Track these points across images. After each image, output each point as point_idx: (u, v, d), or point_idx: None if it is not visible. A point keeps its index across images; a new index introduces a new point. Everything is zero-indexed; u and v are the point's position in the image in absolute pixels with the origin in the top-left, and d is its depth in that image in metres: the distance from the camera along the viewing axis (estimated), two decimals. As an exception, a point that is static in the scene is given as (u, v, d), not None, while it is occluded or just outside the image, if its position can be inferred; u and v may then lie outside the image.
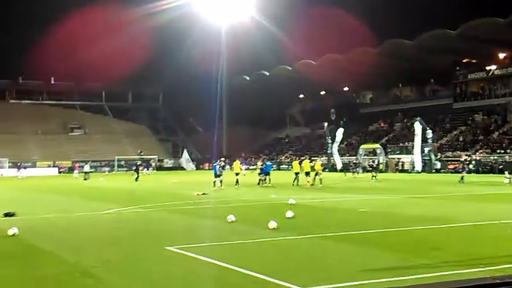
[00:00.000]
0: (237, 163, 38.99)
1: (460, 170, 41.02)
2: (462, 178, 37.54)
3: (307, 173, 36.69)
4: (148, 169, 68.31)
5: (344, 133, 67.42)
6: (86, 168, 55.24)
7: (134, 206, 23.44)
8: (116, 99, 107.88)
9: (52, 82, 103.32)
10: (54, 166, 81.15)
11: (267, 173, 38.32)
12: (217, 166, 35.83)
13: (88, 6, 77.58)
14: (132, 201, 26.28)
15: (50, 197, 31.51)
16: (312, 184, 36.12)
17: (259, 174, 38.27)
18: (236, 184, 35.73)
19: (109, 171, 74.70)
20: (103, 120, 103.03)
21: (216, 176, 35.05)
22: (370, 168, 48.21)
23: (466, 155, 52.57)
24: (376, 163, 56.43)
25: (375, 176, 42.72)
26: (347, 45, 74.20)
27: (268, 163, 41.56)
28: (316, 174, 37.10)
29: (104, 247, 12.98)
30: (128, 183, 45.22)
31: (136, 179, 46.40)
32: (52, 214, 20.79)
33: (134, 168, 50.77)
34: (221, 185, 34.38)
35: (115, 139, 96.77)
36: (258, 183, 37.31)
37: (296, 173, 36.93)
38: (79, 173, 54.31)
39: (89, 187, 41.09)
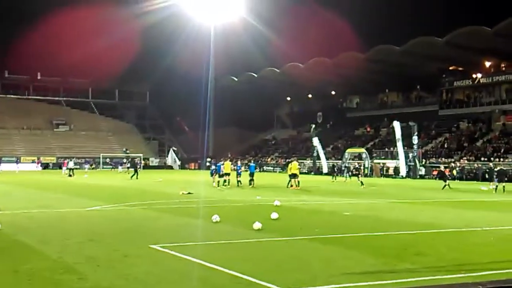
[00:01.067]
0: (228, 164, 39.04)
1: (437, 177, 40.82)
2: (444, 186, 37.86)
3: (294, 175, 36.82)
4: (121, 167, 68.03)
5: (320, 141, 68.00)
6: (71, 164, 55.00)
7: (118, 204, 23.37)
8: (103, 96, 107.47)
9: (39, 77, 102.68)
10: (33, 162, 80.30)
11: (251, 174, 38.49)
12: (222, 166, 37.15)
13: (79, 3, 77.22)
14: (116, 198, 26.20)
15: (34, 192, 31.31)
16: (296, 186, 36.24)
17: (220, 175, 37.74)
18: (224, 184, 36.29)
19: (89, 168, 73.74)
20: (89, 116, 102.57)
21: (220, 176, 36.46)
22: (356, 172, 48.27)
23: (445, 164, 52.84)
24: (360, 167, 56.61)
25: (362, 182, 41.94)
26: (335, 49, 74.54)
27: (252, 164, 41.59)
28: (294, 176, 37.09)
29: (88, 244, 12.93)
30: (112, 180, 45.06)
31: (135, 176, 46.89)
32: (35, 210, 20.68)
33: (128, 165, 51.23)
34: (237, 184, 36.44)
35: (100, 136, 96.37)
36: (237, 185, 37.36)
37: (293, 175, 36.93)
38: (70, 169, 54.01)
39: (73, 184, 40.87)
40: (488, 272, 10.28)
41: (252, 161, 52.99)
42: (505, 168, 39.56)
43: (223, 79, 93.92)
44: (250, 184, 37.53)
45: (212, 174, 38.61)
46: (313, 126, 72.23)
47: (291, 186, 36.29)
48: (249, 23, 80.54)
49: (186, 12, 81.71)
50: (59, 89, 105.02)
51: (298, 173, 37.64)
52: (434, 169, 58.57)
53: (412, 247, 13.03)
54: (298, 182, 36.80)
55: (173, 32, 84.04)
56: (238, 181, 37.87)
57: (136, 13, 76.83)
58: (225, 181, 36.95)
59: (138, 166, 53.00)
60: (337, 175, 52.26)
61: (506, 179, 36.44)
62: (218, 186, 35.79)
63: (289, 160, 42.67)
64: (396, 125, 59.07)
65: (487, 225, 17.30)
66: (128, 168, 61.52)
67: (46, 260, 11.06)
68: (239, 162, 42.83)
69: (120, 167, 70.18)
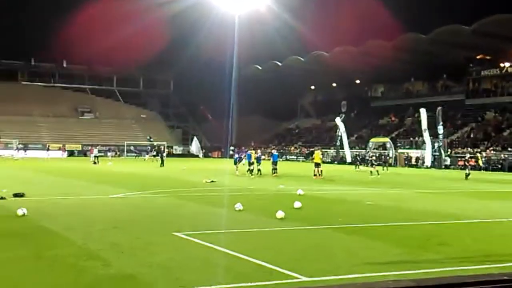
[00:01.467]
0: (252, 153, 39.06)
1: (464, 167, 40.57)
2: (467, 175, 37.64)
3: (318, 164, 36.72)
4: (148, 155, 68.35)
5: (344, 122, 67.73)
6: (95, 152, 55.56)
7: (142, 191, 23.53)
8: (127, 84, 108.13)
9: (64, 65, 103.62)
10: (59, 150, 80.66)
11: (275, 163, 38.36)
12: (252, 155, 37.39)
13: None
14: (140, 186, 26.38)
15: (59, 179, 31.68)
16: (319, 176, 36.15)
17: (250, 164, 37.52)
18: (250, 173, 36.20)
19: (112, 156, 73.90)
20: (113, 104, 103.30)
21: (250, 164, 36.55)
22: (376, 163, 44.76)
23: (470, 153, 52.21)
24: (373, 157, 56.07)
25: (377, 171, 39.86)
26: (361, 37, 73.78)
27: (275, 153, 41.33)
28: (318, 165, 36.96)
29: (111, 231, 13.04)
30: (136, 168, 45.41)
31: (162, 164, 47.44)
32: (60, 196, 20.91)
33: (155, 153, 51.90)
34: (258, 173, 36.14)
35: (125, 124, 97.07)
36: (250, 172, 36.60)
37: (317, 164, 36.81)
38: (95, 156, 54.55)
39: (97, 171, 41.28)
40: (514, 263, 10.15)
41: (275, 150, 52.77)
42: None
43: (247, 67, 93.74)
44: (273, 173, 37.45)
45: (236, 163, 38.70)
46: (340, 117, 71.69)
47: (314, 175, 36.15)
48: (274, 11, 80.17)
49: (211, 0, 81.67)
50: (84, 77, 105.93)
51: (320, 162, 37.53)
52: (459, 159, 57.97)
53: (436, 237, 12.91)
54: (321, 171, 36.66)
55: (197, 20, 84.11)
56: (258, 170, 36.91)
57: (161, 2, 76.95)
58: (251, 170, 36.70)
59: (165, 154, 53.41)
60: (360, 164, 51.87)
61: None
62: (251, 174, 35.79)
63: (313, 149, 42.53)
64: (423, 112, 58.51)
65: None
66: (154, 156, 62.04)
67: (71, 246, 11.17)
68: (259, 151, 42.31)
69: (146, 155, 70.66)
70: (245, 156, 39.20)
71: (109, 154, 73.39)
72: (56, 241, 11.67)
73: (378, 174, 39.06)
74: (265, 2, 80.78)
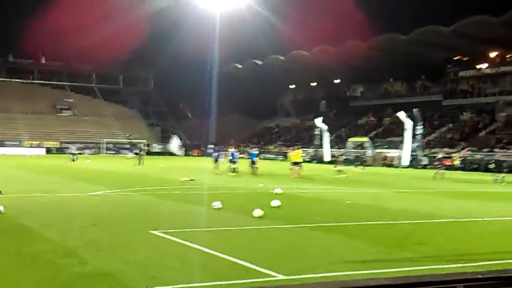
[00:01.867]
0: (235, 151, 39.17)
1: (439, 166, 41.23)
2: (436, 173, 38.29)
3: (297, 163, 36.86)
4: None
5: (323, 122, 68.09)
6: (74, 149, 55.15)
7: (120, 189, 23.43)
8: (106, 82, 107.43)
9: (43, 61, 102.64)
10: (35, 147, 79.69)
11: (253, 162, 38.44)
12: (235, 153, 37.99)
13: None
14: (119, 184, 26.27)
15: (37, 176, 31.41)
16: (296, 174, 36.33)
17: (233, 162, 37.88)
18: (233, 171, 36.48)
19: (90, 154, 73.30)
20: (92, 102, 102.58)
21: (233, 162, 37.04)
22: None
23: (447, 153, 52.85)
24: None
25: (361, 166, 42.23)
26: (341, 37, 74.19)
27: (253, 152, 41.13)
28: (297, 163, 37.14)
29: (90, 228, 12.97)
30: (115, 166, 45.17)
31: (140, 162, 47.33)
32: (38, 194, 20.76)
33: (136, 151, 51.91)
34: (236, 172, 36.28)
35: (104, 121, 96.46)
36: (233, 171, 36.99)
37: (296, 163, 36.99)
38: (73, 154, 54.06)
39: (76, 169, 40.99)
40: (488, 262, 10.30)
41: (254, 148, 52.55)
42: (502, 159, 39.76)
43: (228, 66, 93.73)
44: (252, 171, 37.51)
45: (216, 161, 38.70)
46: (319, 118, 72.02)
47: (298, 174, 36.34)
48: (254, 10, 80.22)
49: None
50: (63, 73, 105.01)
51: (301, 161, 37.68)
52: (436, 159, 58.54)
53: (413, 236, 13.06)
54: (298, 170, 36.80)
55: (178, 18, 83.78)
56: (232, 169, 37.09)
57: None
58: (235, 168, 37.04)
59: (143, 153, 53.33)
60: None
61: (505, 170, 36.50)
62: (234, 172, 36.25)
63: (293, 148, 42.71)
64: (401, 115, 58.98)
65: (487, 215, 17.34)
66: (136, 154, 62.04)
67: (48, 243, 11.12)
68: (233, 149, 42.18)
69: (130, 153, 70.49)
70: (227, 154, 39.23)
71: (86, 151, 72.87)
72: (34, 238, 11.60)
73: (345, 174, 39.52)
74: (246, 1, 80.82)
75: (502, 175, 35.74)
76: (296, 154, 37.75)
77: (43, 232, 12.34)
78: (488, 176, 38.62)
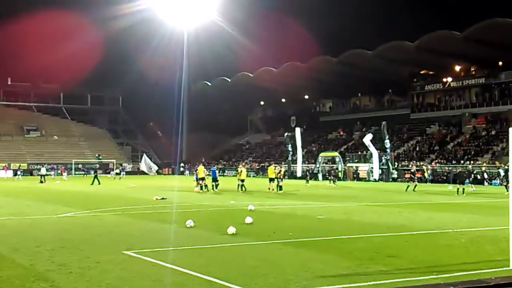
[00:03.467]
0: (201, 168, 39.03)
1: (408, 180, 42.04)
2: (408, 187, 39.23)
3: (272, 179, 37.17)
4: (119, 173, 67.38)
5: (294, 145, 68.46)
6: (43, 171, 54.36)
7: (91, 210, 23.13)
8: (74, 102, 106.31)
9: (9, 82, 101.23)
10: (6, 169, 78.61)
11: (215, 179, 38.29)
12: (216, 171, 38.67)
13: (48, 8, 76.26)
14: (89, 204, 25.93)
15: (4, 199, 30.82)
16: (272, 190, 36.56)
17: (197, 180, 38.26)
18: (203, 188, 36.92)
19: (55, 175, 72.26)
20: (60, 122, 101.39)
21: (215, 180, 37.64)
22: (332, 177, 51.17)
23: (417, 166, 53.59)
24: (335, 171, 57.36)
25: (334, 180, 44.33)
26: (307, 53, 74.96)
27: (213, 168, 41.10)
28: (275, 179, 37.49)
29: (60, 251, 12.77)
30: (85, 186, 44.62)
31: (93, 182, 46.73)
32: (6, 217, 20.37)
33: (92, 171, 51.15)
34: (206, 189, 36.89)
35: (73, 141, 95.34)
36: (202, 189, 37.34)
37: (272, 179, 37.28)
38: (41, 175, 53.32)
39: (45, 190, 40.35)
40: (460, 273, 10.43)
41: (214, 165, 52.13)
42: (464, 171, 40.50)
43: (197, 83, 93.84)
44: (213, 188, 37.60)
45: (197, 179, 38.47)
46: (288, 134, 72.43)
47: (272, 189, 36.61)
48: (222, 28, 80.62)
49: (158, 16, 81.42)
50: (30, 94, 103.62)
51: (274, 177, 37.83)
52: (406, 172, 59.21)
53: (384, 249, 13.15)
54: (278, 186, 37.13)
55: (145, 36, 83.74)
56: (205, 186, 37.52)
57: (107, 17, 76.28)
58: (205, 186, 37.39)
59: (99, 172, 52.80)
60: (310, 178, 52.66)
61: (468, 181, 36.96)
62: (214, 189, 37.36)
63: (263, 164, 43.15)
64: (366, 140, 59.89)
65: (457, 226, 17.55)
66: (117, 174, 62.16)
67: (17, 267, 10.91)
68: (214, 167, 42.71)
69: (112, 172, 70.65)
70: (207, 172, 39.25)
71: (52, 172, 71.76)
72: (3, 263, 11.36)
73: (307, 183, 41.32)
74: (213, 19, 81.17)
75: (452, 186, 36.27)
76: (270, 170, 38.14)
77: (12, 256, 12.10)
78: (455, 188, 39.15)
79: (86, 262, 11.39)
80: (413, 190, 38.46)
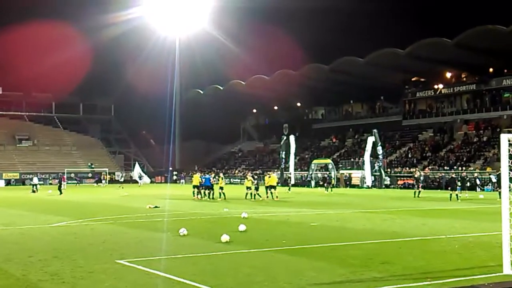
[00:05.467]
0: (196, 176, 39.07)
1: (415, 185, 42.41)
2: (417, 193, 39.45)
3: (271, 187, 37.22)
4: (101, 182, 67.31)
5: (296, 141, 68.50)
6: (35, 180, 54.11)
7: (84, 219, 23.04)
8: (66, 111, 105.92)
9: (0, 92, 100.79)
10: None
11: (208, 187, 38.27)
12: (211, 179, 38.70)
13: (39, 18, 76.25)
14: (82, 214, 25.84)
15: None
16: (267, 197, 36.65)
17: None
18: (195, 195, 37.70)
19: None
20: (52, 131, 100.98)
21: (209, 188, 37.79)
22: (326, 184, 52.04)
23: (418, 171, 53.79)
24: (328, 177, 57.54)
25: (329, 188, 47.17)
26: (299, 61, 75.19)
27: (206, 176, 40.95)
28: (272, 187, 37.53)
29: (52, 261, 12.71)
30: (77, 196, 44.45)
31: (60, 191, 46.35)
32: (-2, 227, 20.25)
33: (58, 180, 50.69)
34: (218, 197, 37.23)
35: (65, 151, 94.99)
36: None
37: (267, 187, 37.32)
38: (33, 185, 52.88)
39: (37, 200, 40.16)
40: (453, 279, 10.46)
41: (207, 173, 51.14)
42: (456, 177, 40.72)
43: (189, 92, 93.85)
44: (205, 196, 37.70)
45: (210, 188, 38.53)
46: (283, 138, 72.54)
47: (276, 197, 36.62)
48: (213, 36, 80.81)
49: (150, 24, 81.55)
50: (22, 103, 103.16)
51: (275, 184, 37.97)
52: (399, 179, 59.46)
53: (378, 256, 13.16)
54: (251, 194, 37.32)
55: (137, 45, 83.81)
56: (205, 194, 38.26)
57: (99, 26, 76.28)
58: (199, 193, 37.84)
59: (64, 182, 51.60)
60: (292, 185, 53.45)
61: (459, 187, 37.04)
62: (208, 197, 37.52)
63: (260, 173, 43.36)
64: (369, 139, 59.98)
65: (450, 233, 17.60)
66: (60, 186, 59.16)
67: (10, 278, 10.84)
68: (207, 175, 42.52)
69: (103, 181, 71.48)
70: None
71: (36, 182, 71.31)
72: (-6, 274, 11.29)
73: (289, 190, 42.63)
74: (205, 27, 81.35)
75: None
76: (272, 178, 38.14)
77: (4, 267, 12.02)
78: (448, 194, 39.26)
79: (79, 271, 11.34)
80: (417, 196, 38.75)
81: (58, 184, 49.75)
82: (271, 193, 36.79)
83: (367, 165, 59.30)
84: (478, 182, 50.36)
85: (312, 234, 17.90)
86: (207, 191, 38.01)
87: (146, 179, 79.29)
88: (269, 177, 38.21)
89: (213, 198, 37.42)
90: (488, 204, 31.71)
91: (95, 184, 73.55)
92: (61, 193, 46.37)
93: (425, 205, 31.99)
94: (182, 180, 78.92)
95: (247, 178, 39.61)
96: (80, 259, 12.84)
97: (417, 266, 11.78)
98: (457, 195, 35.61)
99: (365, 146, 60.85)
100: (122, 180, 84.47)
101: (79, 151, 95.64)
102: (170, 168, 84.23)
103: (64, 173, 70.50)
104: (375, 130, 60.89)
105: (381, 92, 77.85)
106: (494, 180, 50.06)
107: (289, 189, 50.19)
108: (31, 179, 55.19)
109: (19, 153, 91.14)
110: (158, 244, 15.55)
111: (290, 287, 9.85)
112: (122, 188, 57.62)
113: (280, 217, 24.44)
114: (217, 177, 40.61)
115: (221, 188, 37.99)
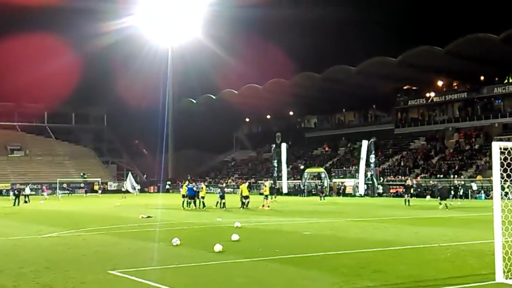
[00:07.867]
0: (184, 186, 39.08)
1: (404, 193, 42.42)
2: (408, 201, 39.44)
3: (266, 196, 38.03)
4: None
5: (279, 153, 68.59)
6: (27, 190, 53.71)
7: (76, 230, 22.94)
8: (58, 120, 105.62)
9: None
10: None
11: (191, 196, 37.94)
12: (194, 188, 38.51)
13: (31, 28, 76.19)
14: (74, 224, 25.71)
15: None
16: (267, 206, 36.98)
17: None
18: (185, 205, 37.57)
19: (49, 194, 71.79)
20: (45, 141, 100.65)
21: (192, 197, 37.52)
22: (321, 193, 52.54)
23: (410, 179, 53.97)
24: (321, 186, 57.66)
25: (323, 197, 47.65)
26: (291, 70, 75.45)
27: (190, 186, 40.19)
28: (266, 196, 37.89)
29: (44, 272, 12.64)
30: (70, 206, 44.24)
31: (16, 203, 44.86)
32: (-11, 238, 20.12)
33: (14, 192, 47.84)
34: (199, 206, 37.24)
35: (57, 161, 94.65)
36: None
37: (245, 197, 37.22)
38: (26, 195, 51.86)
39: (29, 210, 39.93)
40: (446, 287, 10.47)
41: (192, 183, 49.83)
42: (447, 186, 40.90)
43: (181, 101, 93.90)
44: (189, 205, 37.55)
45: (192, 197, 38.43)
46: (273, 146, 72.57)
47: (268, 206, 36.91)
48: (206, 45, 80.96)
49: (142, 34, 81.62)
50: (14, 114, 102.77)
51: (268, 194, 38.38)
52: (391, 187, 59.54)
53: (371, 264, 13.18)
54: (267, 203, 37.59)
55: (130, 54, 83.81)
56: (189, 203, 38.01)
57: (91, 35, 76.30)
58: (191, 203, 37.56)
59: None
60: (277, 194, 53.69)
61: (451, 195, 37.19)
62: (189, 206, 37.23)
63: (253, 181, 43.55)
64: (363, 146, 60.13)
65: (443, 241, 17.64)
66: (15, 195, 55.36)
67: (1, 289, 10.79)
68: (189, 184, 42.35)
69: (99, 191, 71.46)
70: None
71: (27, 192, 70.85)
72: (-15, 285, 11.23)
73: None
74: (197, 36, 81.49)
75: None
76: (266, 187, 38.67)
77: (-4, 278, 11.96)
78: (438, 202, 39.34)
79: (71, 282, 11.30)
80: (408, 204, 38.93)
81: (17, 195, 45.92)
82: (243, 202, 36.83)
83: (362, 173, 59.37)
84: (473, 188, 51.10)
85: (305, 243, 17.90)
86: (191, 200, 37.79)
87: (137, 189, 78.89)
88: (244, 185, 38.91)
89: (199, 206, 37.26)
90: (480, 212, 31.78)
91: (84, 195, 73.08)
92: (17, 204, 44.10)
93: (417, 213, 32.05)
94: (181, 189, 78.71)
95: (265, 185, 40.02)
96: (72, 270, 12.78)
97: (409, 275, 11.80)
98: (446, 204, 35.50)
99: (358, 155, 60.97)
100: (115, 188, 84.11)
101: (72, 161, 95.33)
102: (166, 179, 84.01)
103: (54, 182, 70.09)
104: (373, 139, 61.01)
105: (373, 100, 78.16)
106: (474, 188, 50.73)
107: (275, 197, 50.32)
108: (23, 190, 53.71)
109: (11, 163, 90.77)
110: (151, 254, 15.51)
111: (283, 296, 9.84)
112: (125, 198, 57.21)
113: (273, 226, 24.44)
114: (200, 186, 40.45)
115: (202, 197, 38.08)
